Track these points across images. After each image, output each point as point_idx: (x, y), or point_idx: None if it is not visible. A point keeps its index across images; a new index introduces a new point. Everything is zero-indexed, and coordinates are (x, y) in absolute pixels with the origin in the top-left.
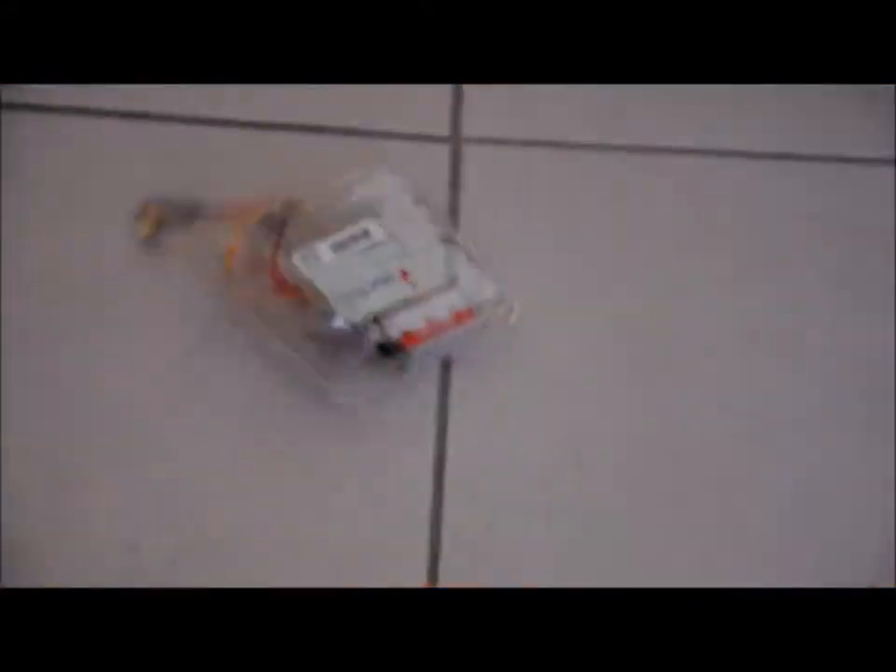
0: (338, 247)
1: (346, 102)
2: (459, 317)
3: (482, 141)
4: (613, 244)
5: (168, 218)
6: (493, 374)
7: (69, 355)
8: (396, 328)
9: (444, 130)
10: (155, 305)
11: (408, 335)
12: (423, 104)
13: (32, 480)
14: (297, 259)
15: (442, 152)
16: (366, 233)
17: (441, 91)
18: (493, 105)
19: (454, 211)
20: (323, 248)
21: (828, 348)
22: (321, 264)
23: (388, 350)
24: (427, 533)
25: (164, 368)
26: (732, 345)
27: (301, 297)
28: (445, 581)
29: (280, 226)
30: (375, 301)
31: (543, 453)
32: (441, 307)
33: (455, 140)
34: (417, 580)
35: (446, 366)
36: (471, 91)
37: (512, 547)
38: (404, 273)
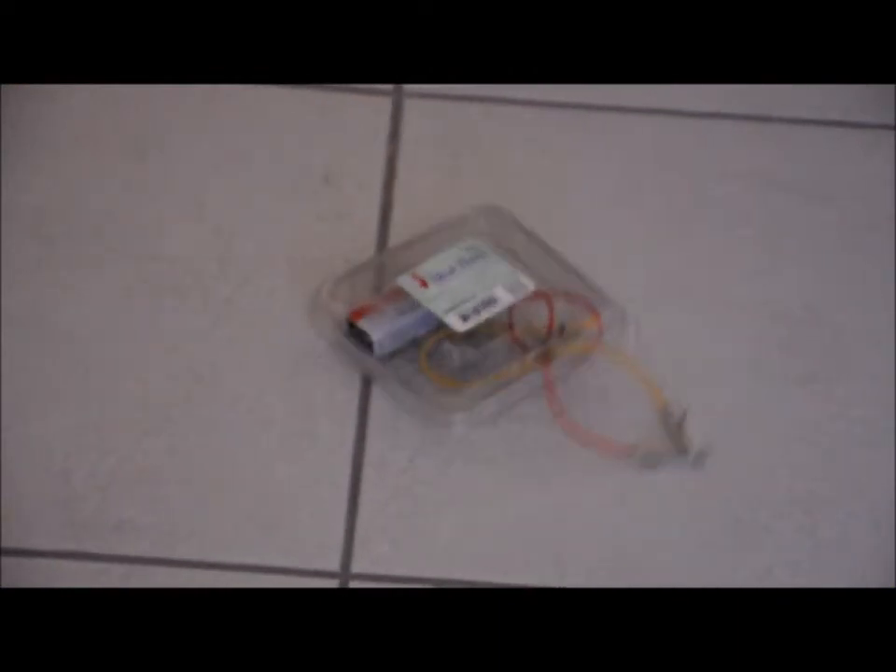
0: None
1: None
2: None
3: (422, 95)
4: (540, 197)
5: None
6: None
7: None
8: None
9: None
10: None
11: None
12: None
13: None
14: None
15: (384, 104)
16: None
17: None
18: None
19: (391, 162)
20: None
21: (749, 302)
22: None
23: None
24: (350, 463)
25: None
26: (656, 297)
27: None
28: (365, 512)
29: None
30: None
31: None
32: None
33: (397, 92)
34: (338, 512)
35: None
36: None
37: (430, 480)
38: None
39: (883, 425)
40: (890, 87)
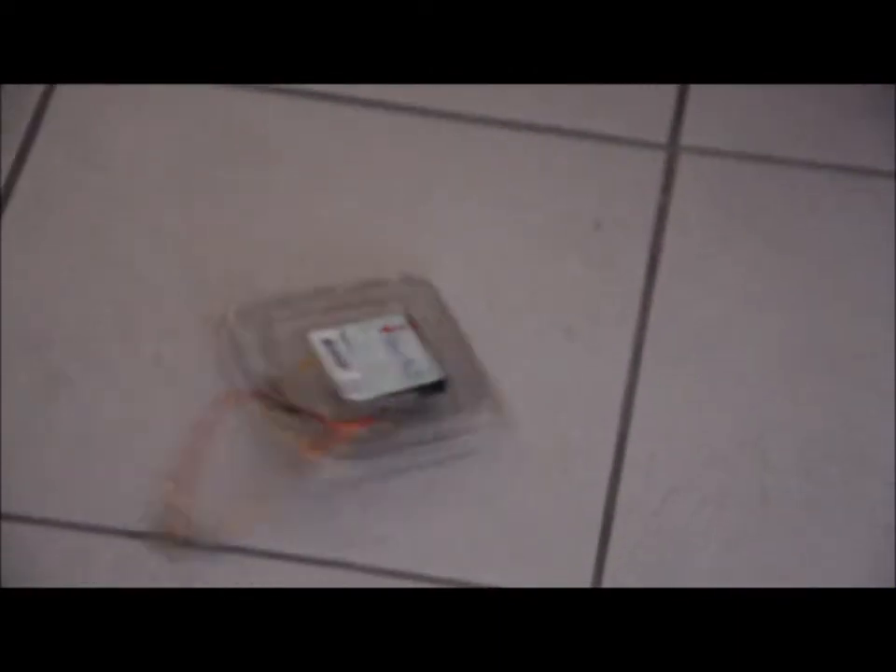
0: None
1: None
2: None
3: (699, 151)
4: (811, 257)
5: None
6: (686, 358)
7: None
8: None
9: (662, 137)
10: None
11: None
12: (643, 107)
13: None
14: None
15: (657, 159)
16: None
17: (665, 96)
18: (712, 115)
19: (662, 216)
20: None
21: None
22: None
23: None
24: (603, 501)
25: None
26: None
27: None
28: (614, 550)
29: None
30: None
31: (725, 436)
32: None
33: (672, 147)
34: (589, 549)
35: (637, 347)
36: (694, 99)
37: (683, 523)
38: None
39: None
40: None
